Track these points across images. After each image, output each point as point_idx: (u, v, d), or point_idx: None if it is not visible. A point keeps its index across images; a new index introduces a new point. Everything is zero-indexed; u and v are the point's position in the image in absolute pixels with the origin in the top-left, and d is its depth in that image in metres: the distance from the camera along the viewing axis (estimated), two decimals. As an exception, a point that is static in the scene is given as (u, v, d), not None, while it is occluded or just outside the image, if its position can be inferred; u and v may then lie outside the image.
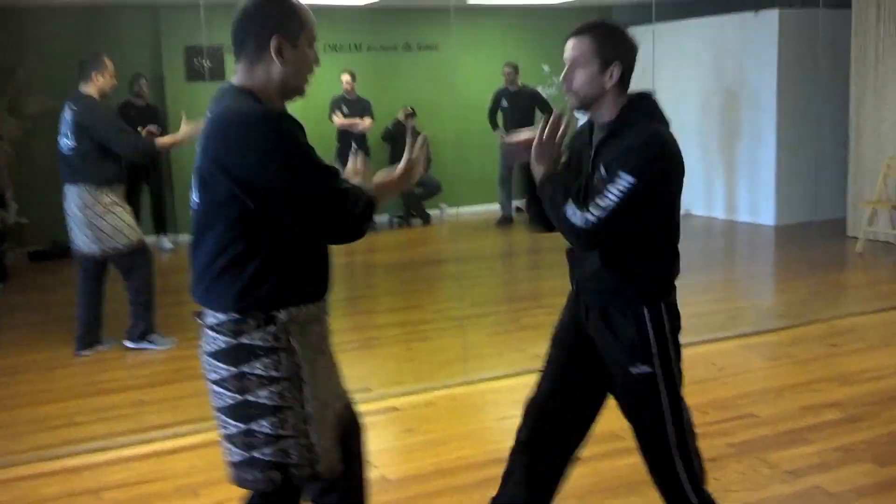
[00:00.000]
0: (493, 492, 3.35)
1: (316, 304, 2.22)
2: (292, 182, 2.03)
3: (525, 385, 4.61)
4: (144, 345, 5.54)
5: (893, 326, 5.47)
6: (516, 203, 9.66)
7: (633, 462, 2.86)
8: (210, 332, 2.16)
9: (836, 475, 3.45)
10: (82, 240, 5.30)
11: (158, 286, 5.68)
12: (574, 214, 2.36)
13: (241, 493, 3.41)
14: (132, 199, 7.29)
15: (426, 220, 10.18)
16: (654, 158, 2.37)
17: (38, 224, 8.50)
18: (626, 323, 2.49)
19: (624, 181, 2.31)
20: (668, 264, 2.59)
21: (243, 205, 2.05)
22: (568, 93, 2.48)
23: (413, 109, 9.74)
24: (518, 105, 9.65)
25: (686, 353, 4.94)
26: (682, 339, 5.18)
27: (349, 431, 2.41)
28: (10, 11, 8.72)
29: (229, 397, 2.13)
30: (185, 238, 9.36)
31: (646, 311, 2.50)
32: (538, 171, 2.48)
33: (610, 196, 2.31)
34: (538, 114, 9.53)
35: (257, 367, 2.11)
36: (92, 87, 5.25)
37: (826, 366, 4.78)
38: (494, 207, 10.09)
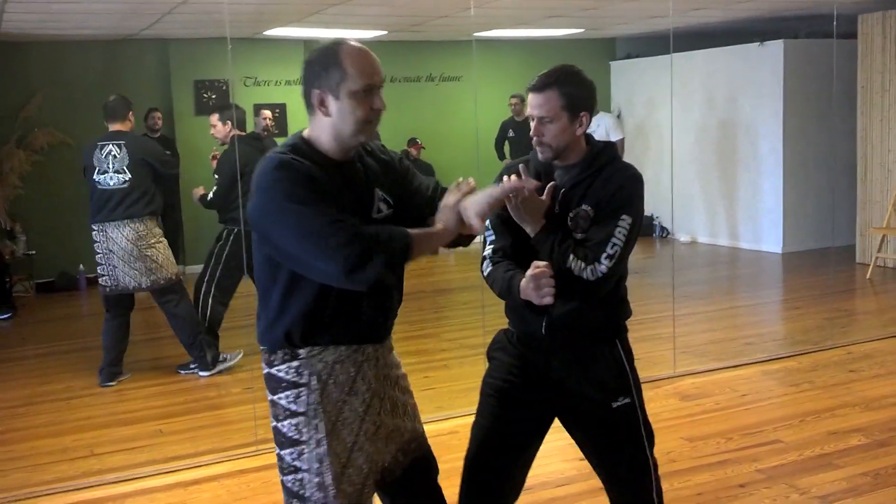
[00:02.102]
0: (521, 518, 3.34)
1: (349, 346, 2.21)
2: (279, 224, 2.09)
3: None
4: (220, 368, 5.62)
5: (910, 352, 5.46)
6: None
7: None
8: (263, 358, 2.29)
9: (868, 500, 3.42)
10: (131, 274, 5.36)
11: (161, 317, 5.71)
12: (583, 270, 2.36)
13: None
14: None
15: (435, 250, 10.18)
16: (642, 195, 2.46)
17: (46, 256, 8.49)
18: (604, 358, 2.50)
19: (625, 222, 2.38)
20: (625, 294, 2.58)
21: (267, 247, 2.17)
22: (540, 147, 2.46)
23: (417, 141, 9.84)
24: (524, 135, 9.69)
25: (707, 380, 5.02)
26: (703, 365, 5.23)
27: (409, 478, 2.34)
28: (19, 46, 8.77)
29: (273, 419, 2.24)
30: (194, 269, 9.41)
31: (618, 343, 2.53)
32: (528, 227, 2.43)
33: (616, 241, 2.37)
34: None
35: (282, 399, 2.20)
36: (127, 125, 5.46)
37: (847, 392, 4.76)
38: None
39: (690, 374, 5.09)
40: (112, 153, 5.36)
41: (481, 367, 5.23)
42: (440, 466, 2.38)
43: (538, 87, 2.42)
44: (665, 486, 3.48)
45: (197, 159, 9.54)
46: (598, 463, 2.59)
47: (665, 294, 7.06)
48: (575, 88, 2.43)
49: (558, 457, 3.74)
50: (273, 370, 2.21)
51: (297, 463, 2.18)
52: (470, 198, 2.18)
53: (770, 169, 9.35)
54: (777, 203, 9.32)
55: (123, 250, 5.33)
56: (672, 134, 9.07)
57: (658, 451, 3.45)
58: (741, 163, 9.73)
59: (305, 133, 2.23)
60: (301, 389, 2.18)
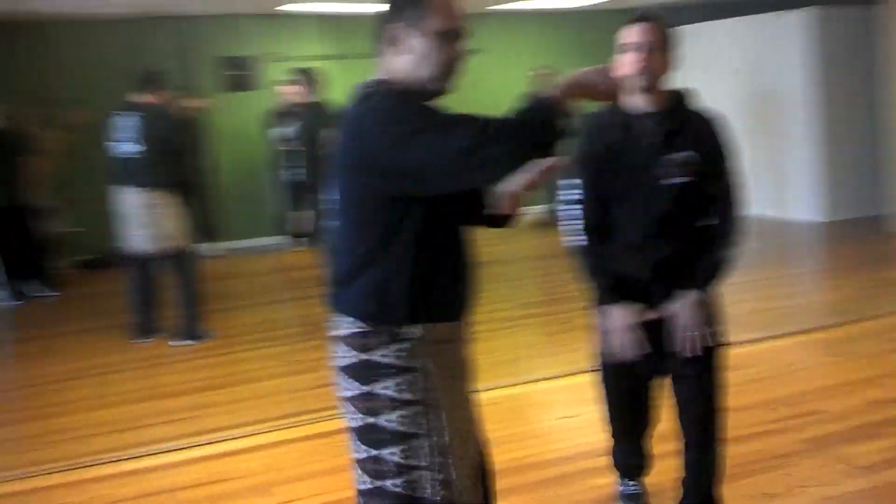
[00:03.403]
0: (560, 490, 3.37)
1: (454, 322, 2.02)
2: (408, 143, 1.81)
3: (583, 384, 4.60)
4: (188, 342, 5.73)
5: (954, 322, 5.38)
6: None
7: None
8: (340, 344, 1.99)
9: (913, 470, 3.39)
10: (139, 238, 5.57)
11: (207, 293, 5.80)
12: (730, 220, 2.69)
13: (315, 491, 3.45)
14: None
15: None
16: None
17: (91, 233, 8.60)
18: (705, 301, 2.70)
19: (734, 163, 2.70)
20: None
21: (382, 197, 1.90)
22: (642, 74, 2.54)
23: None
24: None
25: (748, 350, 4.99)
26: (744, 335, 5.17)
27: (483, 472, 2.19)
28: (44, 25, 8.83)
29: (359, 418, 1.95)
30: (231, 245, 9.49)
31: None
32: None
33: (739, 184, 2.70)
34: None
35: (387, 388, 1.91)
36: (157, 98, 5.59)
37: (890, 362, 4.70)
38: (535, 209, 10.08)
39: (731, 345, 5.03)
40: (129, 123, 5.51)
41: (511, 339, 5.29)
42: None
43: (644, 18, 2.56)
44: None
45: (224, 136, 9.59)
46: (689, 398, 2.79)
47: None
48: (669, 29, 2.61)
49: (595, 428, 3.73)
50: (373, 355, 1.92)
51: (410, 461, 1.90)
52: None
53: (800, 138, 9.21)
54: (815, 172, 9.19)
55: (134, 216, 5.54)
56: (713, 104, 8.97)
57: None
58: (778, 132, 9.59)
59: (377, 78, 2.00)
60: (415, 374, 1.91)
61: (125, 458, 3.95)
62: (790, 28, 9.13)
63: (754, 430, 3.84)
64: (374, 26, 2.03)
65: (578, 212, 2.71)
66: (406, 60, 1.96)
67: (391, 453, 1.90)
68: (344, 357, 1.97)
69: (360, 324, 1.93)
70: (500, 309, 6.30)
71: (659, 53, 2.56)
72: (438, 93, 1.99)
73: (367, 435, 1.93)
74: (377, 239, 1.92)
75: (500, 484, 3.42)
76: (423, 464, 1.90)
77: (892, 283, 6.77)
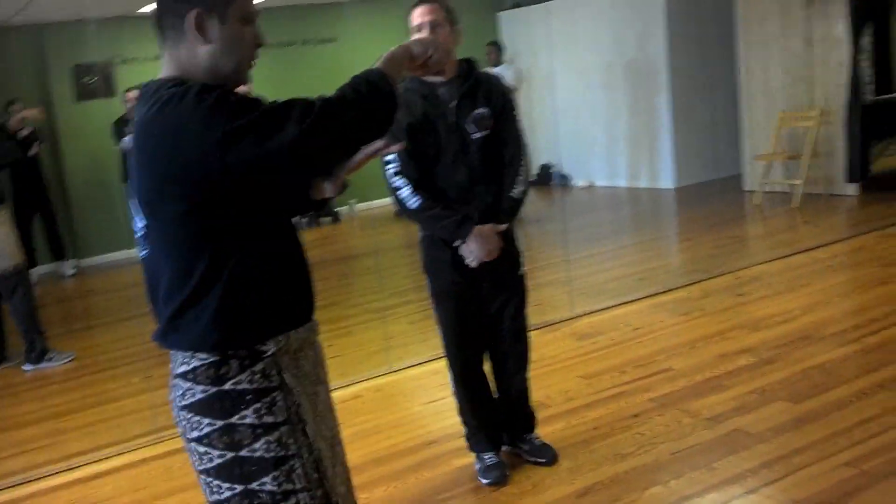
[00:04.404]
0: (427, 474, 3.42)
1: (306, 325, 1.89)
2: (248, 143, 1.62)
3: (445, 368, 4.64)
4: (44, 364, 5.55)
5: (795, 271, 5.68)
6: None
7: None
8: (182, 382, 1.79)
9: (755, 416, 3.57)
10: None
11: (63, 313, 5.60)
12: (519, 163, 3.13)
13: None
14: (24, 227, 7.30)
15: (336, 217, 10.13)
16: None
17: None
18: (512, 237, 3.21)
19: (518, 116, 3.18)
20: None
21: (202, 211, 1.71)
22: None
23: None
24: None
25: (601, 317, 5.15)
26: (598, 304, 5.34)
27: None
28: None
29: (217, 455, 1.77)
30: (88, 262, 9.17)
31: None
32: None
33: (523, 136, 3.18)
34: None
35: (248, 416, 1.75)
36: None
37: (736, 315, 4.94)
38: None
39: (586, 315, 5.20)
40: None
41: (383, 330, 5.30)
42: (347, 431, 2.32)
43: (423, 1, 2.97)
44: (562, 423, 3.63)
45: (80, 146, 9.26)
46: (504, 318, 3.25)
47: (563, 240, 7.18)
48: (450, 6, 3.01)
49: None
50: (227, 386, 1.75)
51: (285, 486, 1.76)
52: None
53: (660, 107, 9.54)
54: (668, 140, 9.53)
55: None
56: (562, 80, 9.13)
57: (555, 390, 3.58)
58: (632, 103, 9.90)
59: (167, 75, 1.77)
60: (275, 395, 1.77)
61: (-25, 495, 3.78)
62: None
63: (606, 395, 3.98)
64: (157, 16, 1.80)
65: (403, 181, 3.07)
66: (206, 52, 1.75)
67: (262, 483, 1.76)
68: (190, 395, 1.77)
69: (203, 355, 1.75)
70: (372, 300, 6.31)
71: (444, 29, 2.95)
72: (240, 84, 1.81)
73: (231, 471, 1.77)
74: (207, 262, 1.72)
75: (366, 476, 3.47)
76: (300, 486, 1.78)
77: (741, 240, 7.11)
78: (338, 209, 10.23)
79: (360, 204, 10.57)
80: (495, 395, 3.38)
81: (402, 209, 3.13)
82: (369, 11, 10.51)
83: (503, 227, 3.12)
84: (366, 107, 1.69)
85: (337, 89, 1.71)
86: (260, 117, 1.62)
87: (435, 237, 3.15)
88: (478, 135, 3.05)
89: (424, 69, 1.94)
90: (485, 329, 3.28)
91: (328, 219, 10.05)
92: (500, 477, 3.26)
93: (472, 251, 3.06)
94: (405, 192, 3.07)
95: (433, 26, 2.93)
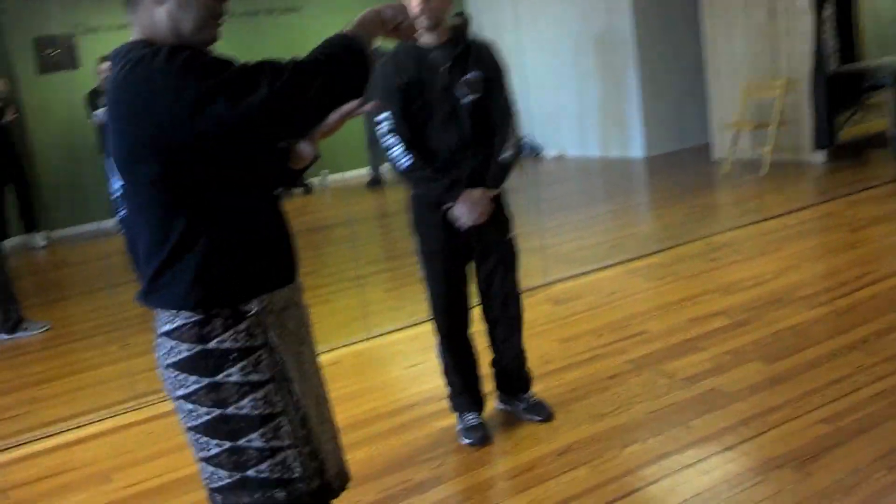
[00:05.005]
0: (408, 436, 3.46)
1: (289, 286, 1.91)
2: (225, 103, 1.61)
3: (427, 333, 4.67)
4: (19, 334, 5.55)
5: (765, 237, 5.77)
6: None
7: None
8: (167, 341, 1.81)
9: (730, 377, 3.64)
10: None
11: (36, 284, 5.57)
12: (509, 128, 3.17)
13: (157, 472, 3.40)
14: None
15: (308, 188, 10.10)
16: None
17: None
18: (502, 202, 3.26)
19: (508, 82, 3.21)
20: None
21: (176, 174, 1.70)
22: (426, 14, 2.96)
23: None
24: None
25: (576, 283, 5.21)
26: (572, 270, 5.40)
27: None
28: None
29: (204, 413, 1.79)
30: (59, 234, 9.09)
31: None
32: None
33: (513, 97, 3.22)
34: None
35: (233, 374, 1.77)
36: None
37: (708, 279, 5.01)
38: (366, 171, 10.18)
39: (561, 281, 5.26)
40: None
41: (360, 298, 5.33)
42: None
43: None
44: (541, 386, 3.67)
45: (47, 119, 9.13)
46: (494, 282, 3.29)
47: (536, 209, 7.23)
48: None
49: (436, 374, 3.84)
50: (211, 345, 1.77)
51: (273, 443, 1.80)
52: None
53: (628, 78, 9.58)
54: (637, 110, 9.59)
55: None
56: (533, 54, 9.08)
57: (532, 354, 3.62)
58: (601, 75, 9.93)
59: (134, 39, 1.78)
60: (260, 353, 1.80)
61: (-47, 463, 3.77)
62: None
63: (583, 358, 4.04)
64: None
65: (396, 139, 3.09)
66: (164, 12, 1.74)
67: (250, 440, 1.79)
68: (175, 352, 1.79)
69: (188, 314, 1.77)
70: (348, 269, 6.33)
71: None
72: (208, 43, 1.80)
73: (218, 427, 1.79)
74: (184, 223, 1.73)
75: (347, 439, 3.47)
76: (287, 443, 1.81)
77: (711, 207, 7.20)
78: (309, 180, 10.20)
79: (332, 175, 10.55)
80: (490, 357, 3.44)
81: (393, 168, 3.15)
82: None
83: (495, 192, 3.16)
84: (337, 68, 1.69)
85: (309, 52, 1.71)
86: (231, 77, 1.62)
87: (424, 197, 3.17)
88: (468, 99, 3.08)
89: (395, 33, 1.91)
90: (471, 292, 3.31)
91: (300, 190, 10.02)
92: (482, 438, 3.30)
93: (462, 214, 3.10)
94: (397, 150, 3.09)
95: None
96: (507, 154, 3.15)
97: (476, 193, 3.09)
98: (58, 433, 3.95)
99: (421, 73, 3.06)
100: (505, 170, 3.17)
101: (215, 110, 1.60)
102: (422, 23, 2.97)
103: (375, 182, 9.97)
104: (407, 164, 3.09)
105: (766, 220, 6.18)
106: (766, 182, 7.60)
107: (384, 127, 3.10)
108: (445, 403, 3.47)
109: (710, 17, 8.54)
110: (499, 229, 3.25)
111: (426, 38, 3.05)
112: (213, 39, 1.81)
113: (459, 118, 3.09)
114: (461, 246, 3.21)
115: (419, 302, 5.27)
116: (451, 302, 3.28)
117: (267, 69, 1.63)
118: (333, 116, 2.01)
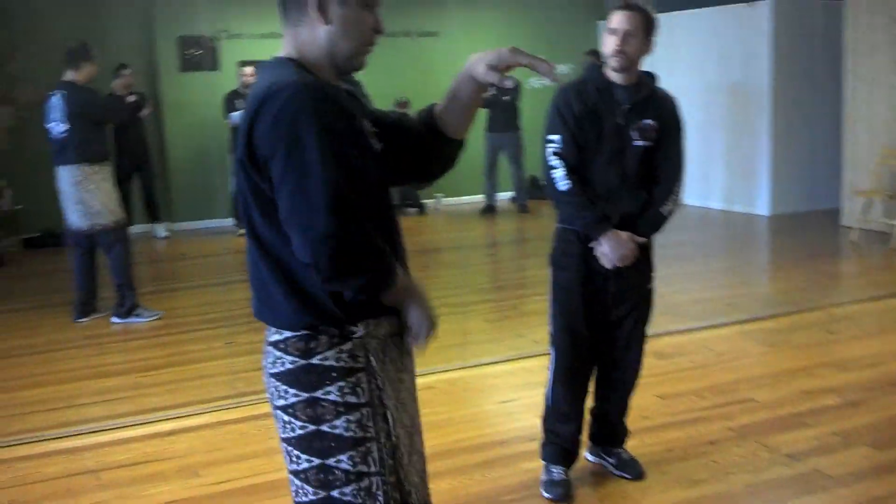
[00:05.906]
0: (494, 473, 3.42)
1: (397, 314, 1.88)
2: (295, 171, 1.65)
3: (525, 369, 4.63)
4: (132, 319, 5.78)
5: (889, 314, 5.49)
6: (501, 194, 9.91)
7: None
8: (274, 351, 1.83)
9: (835, 459, 3.46)
10: (74, 215, 5.65)
11: (153, 273, 5.79)
12: (674, 182, 3.14)
13: (245, 473, 3.45)
14: (123, 187, 7.63)
15: (421, 209, 10.19)
16: None
17: (34, 211, 8.50)
18: (649, 250, 3.20)
19: (684, 137, 3.18)
20: None
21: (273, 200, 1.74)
22: (619, 56, 2.98)
23: (407, 99, 9.62)
24: (499, 99, 9.47)
25: (685, 339, 5.06)
26: (682, 325, 5.25)
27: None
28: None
29: (299, 426, 1.80)
30: (181, 226, 9.43)
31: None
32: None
33: (684, 154, 3.20)
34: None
35: (332, 392, 1.78)
36: (80, 75, 5.63)
37: (824, 352, 4.79)
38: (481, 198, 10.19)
39: (669, 334, 5.11)
40: (56, 103, 5.60)
41: (461, 324, 5.32)
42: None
43: (626, 7, 2.97)
44: (636, 441, 3.56)
45: (182, 115, 9.50)
46: (623, 326, 3.20)
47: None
48: (650, 17, 3.01)
49: (530, 412, 3.77)
50: (315, 360, 1.78)
51: (360, 467, 1.79)
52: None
53: (759, 131, 9.32)
54: (766, 165, 9.31)
55: (66, 193, 5.65)
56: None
57: (631, 408, 3.51)
58: (731, 125, 9.69)
59: (287, 54, 1.80)
60: (359, 376, 1.79)
61: (55, 437, 3.91)
62: (757, 19, 9.18)
63: (684, 417, 3.90)
64: None
65: (560, 162, 3.07)
66: (325, 33, 1.77)
67: (339, 460, 1.78)
68: (280, 363, 1.82)
69: (298, 329, 1.80)
70: (452, 295, 6.33)
71: (635, 39, 2.97)
72: (355, 69, 1.84)
73: (310, 443, 1.80)
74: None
75: (432, 467, 3.45)
76: (374, 469, 1.80)
77: (834, 276, 6.91)
78: (424, 201, 10.30)
79: (447, 199, 10.61)
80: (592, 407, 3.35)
81: (549, 189, 3.12)
82: (471, 7, 10.55)
83: (642, 239, 3.09)
84: (374, 276, 1.75)
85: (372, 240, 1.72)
86: (316, 176, 1.64)
87: (569, 230, 3.12)
88: (639, 143, 3.06)
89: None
90: (600, 336, 3.22)
91: (414, 209, 10.12)
92: (563, 495, 3.20)
93: (605, 253, 3.04)
94: (559, 172, 3.06)
95: (626, 35, 2.95)
96: (667, 206, 3.10)
97: (623, 235, 3.04)
98: (155, 421, 4.06)
99: (599, 106, 3.04)
100: (661, 221, 3.12)
101: (288, 186, 1.66)
102: (612, 62, 3.00)
103: (489, 209, 9.97)
104: (566, 186, 3.05)
105: (891, 296, 5.89)
106: (895, 255, 7.24)
107: (551, 147, 3.08)
108: (535, 445, 3.40)
109: (853, 77, 8.24)
110: (640, 276, 3.19)
111: (614, 77, 3.05)
112: (361, 67, 1.85)
113: (625, 159, 3.06)
114: (598, 285, 3.13)
115: (519, 337, 5.28)
116: (576, 339, 3.17)
117: (333, 205, 1.65)
118: (472, 85, 1.97)
